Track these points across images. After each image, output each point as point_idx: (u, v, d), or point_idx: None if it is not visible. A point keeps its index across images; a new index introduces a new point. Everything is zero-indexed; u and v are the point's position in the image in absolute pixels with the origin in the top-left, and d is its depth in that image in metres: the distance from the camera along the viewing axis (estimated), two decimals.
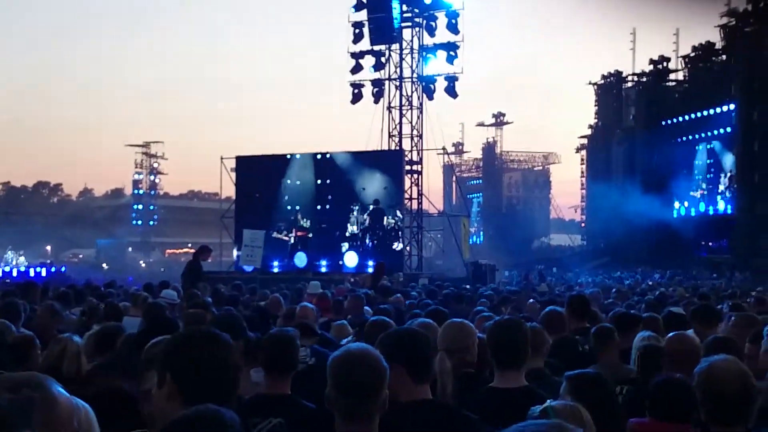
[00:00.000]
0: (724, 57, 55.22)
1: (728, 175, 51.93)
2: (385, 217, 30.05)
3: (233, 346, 2.82)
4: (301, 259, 31.20)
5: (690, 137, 55.59)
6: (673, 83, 62.31)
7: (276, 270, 30.10)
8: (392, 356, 3.29)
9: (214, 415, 2.20)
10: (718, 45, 55.07)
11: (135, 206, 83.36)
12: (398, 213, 30.09)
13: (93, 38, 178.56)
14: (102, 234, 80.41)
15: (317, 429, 3.66)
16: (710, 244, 54.30)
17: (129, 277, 36.27)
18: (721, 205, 52.79)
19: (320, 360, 5.46)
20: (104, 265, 64.72)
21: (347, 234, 30.67)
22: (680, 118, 56.58)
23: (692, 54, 58.18)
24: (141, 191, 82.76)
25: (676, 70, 61.62)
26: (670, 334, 5.52)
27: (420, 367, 3.58)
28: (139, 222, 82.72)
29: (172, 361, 2.72)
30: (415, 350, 3.61)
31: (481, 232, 78.98)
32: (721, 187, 52.61)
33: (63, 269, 49.83)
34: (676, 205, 57.19)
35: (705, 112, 53.37)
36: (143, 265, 70.13)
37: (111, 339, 5.54)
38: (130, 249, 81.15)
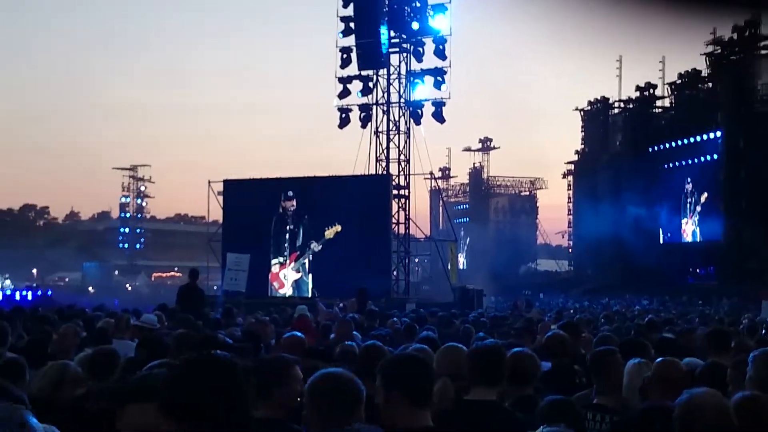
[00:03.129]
0: (710, 84, 55.67)
1: (715, 201, 52.14)
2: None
3: None
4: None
5: (676, 163, 55.84)
6: (660, 110, 62.65)
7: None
8: (392, 381, 3.26)
9: None
10: (704, 72, 55.52)
11: (121, 229, 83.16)
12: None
13: (82, 61, 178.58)
14: (88, 257, 79.90)
15: None
16: (697, 270, 54.45)
17: (115, 301, 35.94)
18: (707, 232, 52.91)
19: None
20: (90, 288, 64.25)
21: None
22: (666, 145, 56.88)
23: (678, 81, 58.54)
24: (128, 214, 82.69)
25: (662, 97, 62.02)
26: (658, 360, 5.42)
27: (421, 393, 3.55)
28: (126, 245, 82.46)
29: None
30: (416, 376, 3.58)
31: (467, 257, 78.83)
32: (708, 214, 52.78)
33: (49, 293, 49.33)
34: (663, 231, 57.38)
35: (691, 139, 53.64)
36: (129, 288, 69.66)
37: (106, 363, 5.42)
38: (116, 272, 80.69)
